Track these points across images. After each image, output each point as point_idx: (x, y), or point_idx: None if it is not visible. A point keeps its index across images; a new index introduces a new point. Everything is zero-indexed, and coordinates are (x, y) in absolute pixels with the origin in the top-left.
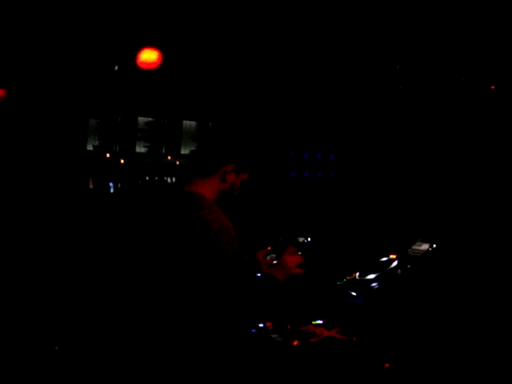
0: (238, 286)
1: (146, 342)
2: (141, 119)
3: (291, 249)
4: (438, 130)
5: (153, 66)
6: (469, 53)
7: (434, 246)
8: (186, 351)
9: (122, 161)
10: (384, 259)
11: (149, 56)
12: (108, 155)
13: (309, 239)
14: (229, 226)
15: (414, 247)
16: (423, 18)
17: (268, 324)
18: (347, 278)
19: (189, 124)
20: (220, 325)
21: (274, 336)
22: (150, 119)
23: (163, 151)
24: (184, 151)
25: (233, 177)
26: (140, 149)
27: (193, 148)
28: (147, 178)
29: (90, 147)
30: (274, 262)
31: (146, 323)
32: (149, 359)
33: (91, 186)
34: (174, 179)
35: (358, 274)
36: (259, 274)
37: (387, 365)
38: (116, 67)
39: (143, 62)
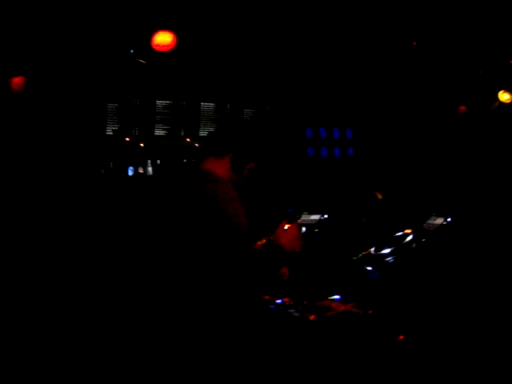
0: (241, 254)
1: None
2: (159, 102)
3: (284, 222)
4: (456, 108)
5: (168, 49)
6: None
7: (449, 219)
8: (199, 308)
9: (142, 144)
10: (399, 234)
11: (163, 38)
12: (128, 139)
13: (326, 216)
14: (236, 199)
15: (428, 221)
16: None
17: (286, 299)
18: (363, 253)
19: (207, 106)
20: (228, 288)
21: (291, 311)
22: (168, 102)
23: (182, 134)
24: (203, 133)
25: (240, 164)
26: (159, 132)
27: (211, 130)
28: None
29: (109, 132)
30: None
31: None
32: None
33: (111, 170)
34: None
35: (373, 248)
36: None
37: (402, 337)
38: (132, 51)
39: (158, 45)
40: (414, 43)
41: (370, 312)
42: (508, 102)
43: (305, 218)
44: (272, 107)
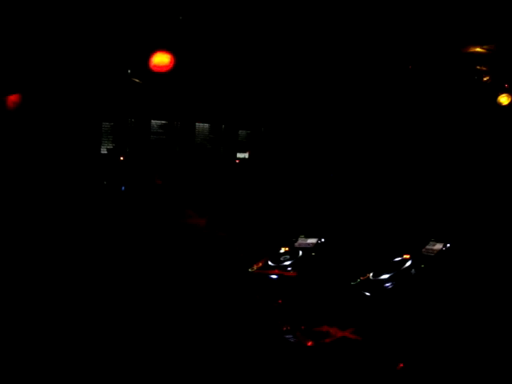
0: None
1: None
2: (154, 122)
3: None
4: (453, 128)
5: (166, 70)
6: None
7: (448, 245)
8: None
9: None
10: (398, 259)
11: (161, 59)
12: (122, 158)
13: (322, 240)
14: None
15: (427, 247)
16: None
17: (283, 325)
18: (361, 278)
19: (202, 126)
20: None
21: (288, 337)
22: (163, 122)
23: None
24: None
25: None
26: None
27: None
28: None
29: (104, 151)
30: None
31: None
32: None
33: (105, 187)
34: None
35: (371, 274)
36: None
37: (401, 365)
38: (129, 71)
39: (156, 65)
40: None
41: (368, 338)
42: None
43: (301, 241)
44: (266, 129)
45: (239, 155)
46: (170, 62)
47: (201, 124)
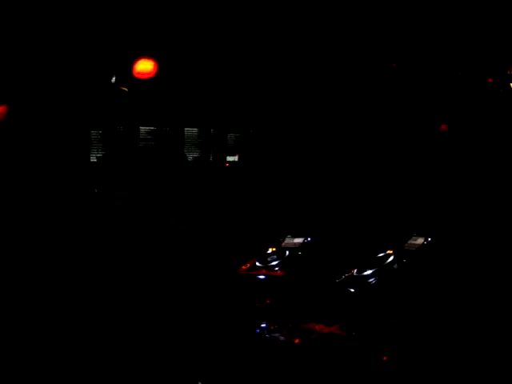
0: None
1: None
2: (143, 128)
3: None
4: (432, 123)
5: (149, 76)
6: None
7: (429, 239)
8: None
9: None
10: (381, 255)
11: (145, 66)
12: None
13: (309, 239)
14: None
15: (409, 241)
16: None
17: (270, 324)
18: (345, 274)
19: (191, 131)
20: None
21: (276, 335)
22: (152, 128)
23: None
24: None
25: None
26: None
27: (195, 154)
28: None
29: (93, 159)
30: None
31: None
32: None
33: (95, 196)
34: None
35: (355, 270)
36: None
37: (385, 358)
38: (113, 79)
39: (139, 73)
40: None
41: (353, 333)
42: None
43: (288, 241)
44: (255, 131)
45: (229, 158)
46: (154, 69)
47: (189, 129)
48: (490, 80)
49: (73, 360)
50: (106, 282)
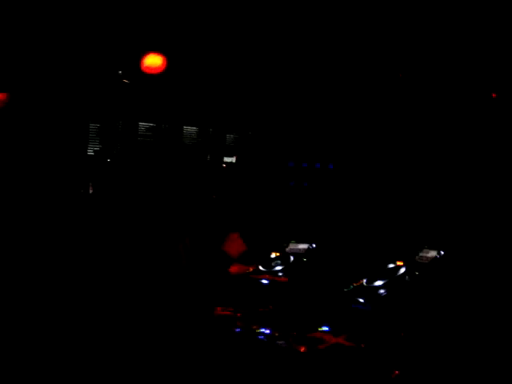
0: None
1: None
2: (142, 124)
3: (233, 236)
4: (445, 136)
5: (158, 71)
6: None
7: (442, 253)
8: None
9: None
10: (391, 266)
11: (154, 61)
12: (109, 160)
13: (314, 245)
14: None
15: (421, 254)
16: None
17: (274, 331)
18: (354, 284)
19: (190, 130)
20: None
21: (280, 343)
22: (151, 124)
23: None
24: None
25: None
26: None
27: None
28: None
29: (90, 152)
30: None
31: None
32: None
33: (91, 191)
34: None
35: (365, 280)
36: None
37: (396, 372)
38: (120, 72)
39: (148, 67)
40: (400, 75)
41: (362, 345)
42: None
43: (292, 246)
44: (254, 133)
45: (226, 159)
46: (163, 64)
47: (189, 127)
48: (494, 95)
49: (73, 360)
50: (106, 283)
